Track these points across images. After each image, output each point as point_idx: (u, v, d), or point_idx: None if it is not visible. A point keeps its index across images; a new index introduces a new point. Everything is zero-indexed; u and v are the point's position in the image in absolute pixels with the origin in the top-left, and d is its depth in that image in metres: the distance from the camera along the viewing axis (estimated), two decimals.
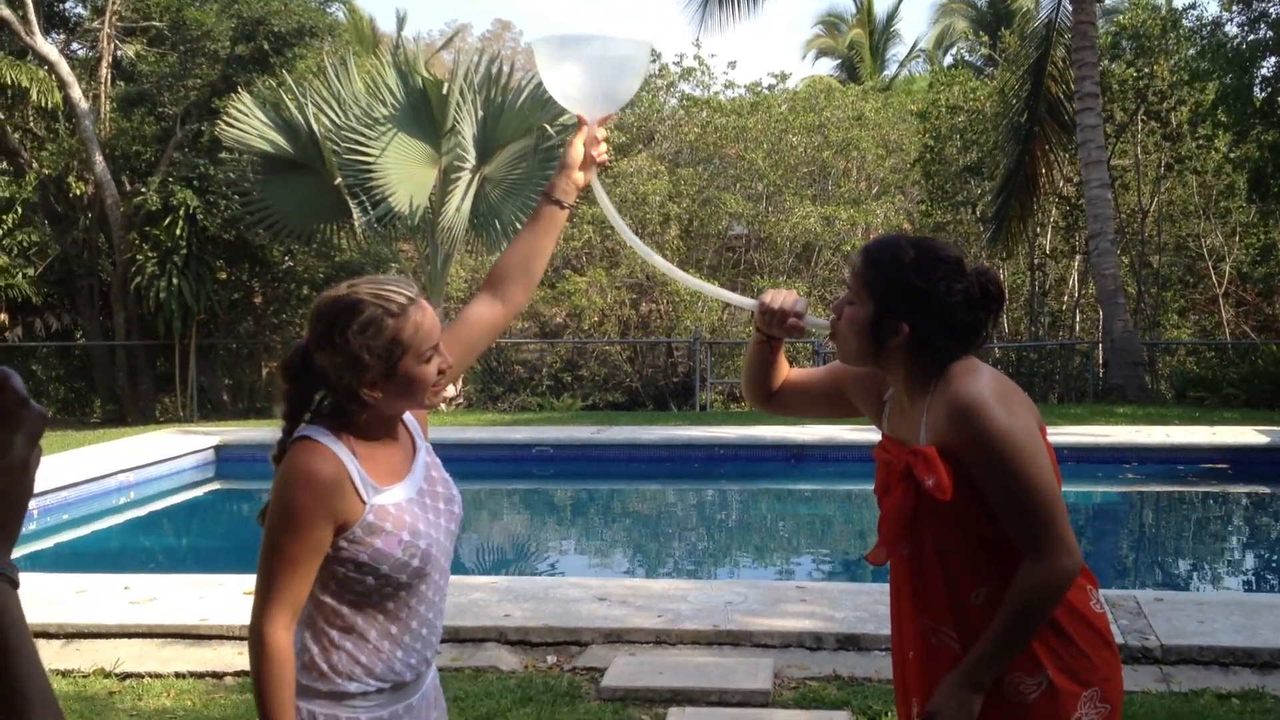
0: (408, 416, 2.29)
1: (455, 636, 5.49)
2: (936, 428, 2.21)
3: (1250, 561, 9.21)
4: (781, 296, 2.42)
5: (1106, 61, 18.30)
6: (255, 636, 2.07)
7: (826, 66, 37.73)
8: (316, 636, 2.14)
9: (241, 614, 5.60)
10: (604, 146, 2.46)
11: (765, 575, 8.33)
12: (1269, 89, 15.96)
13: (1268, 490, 10.91)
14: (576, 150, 2.48)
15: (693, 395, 18.62)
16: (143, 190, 17.83)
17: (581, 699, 4.83)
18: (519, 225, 15.75)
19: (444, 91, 15.13)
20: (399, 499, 2.14)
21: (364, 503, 2.09)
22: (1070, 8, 16.18)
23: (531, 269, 2.46)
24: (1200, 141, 18.57)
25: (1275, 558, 9.28)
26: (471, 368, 20.50)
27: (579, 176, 2.49)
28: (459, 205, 15.08)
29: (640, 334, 21.78)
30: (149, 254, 17.71)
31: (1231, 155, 18.07)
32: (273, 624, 2.06)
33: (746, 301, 2.56)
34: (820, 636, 5.29)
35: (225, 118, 15.38)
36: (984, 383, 2.20)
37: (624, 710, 4.70)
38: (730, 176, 22.73)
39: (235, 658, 5.36)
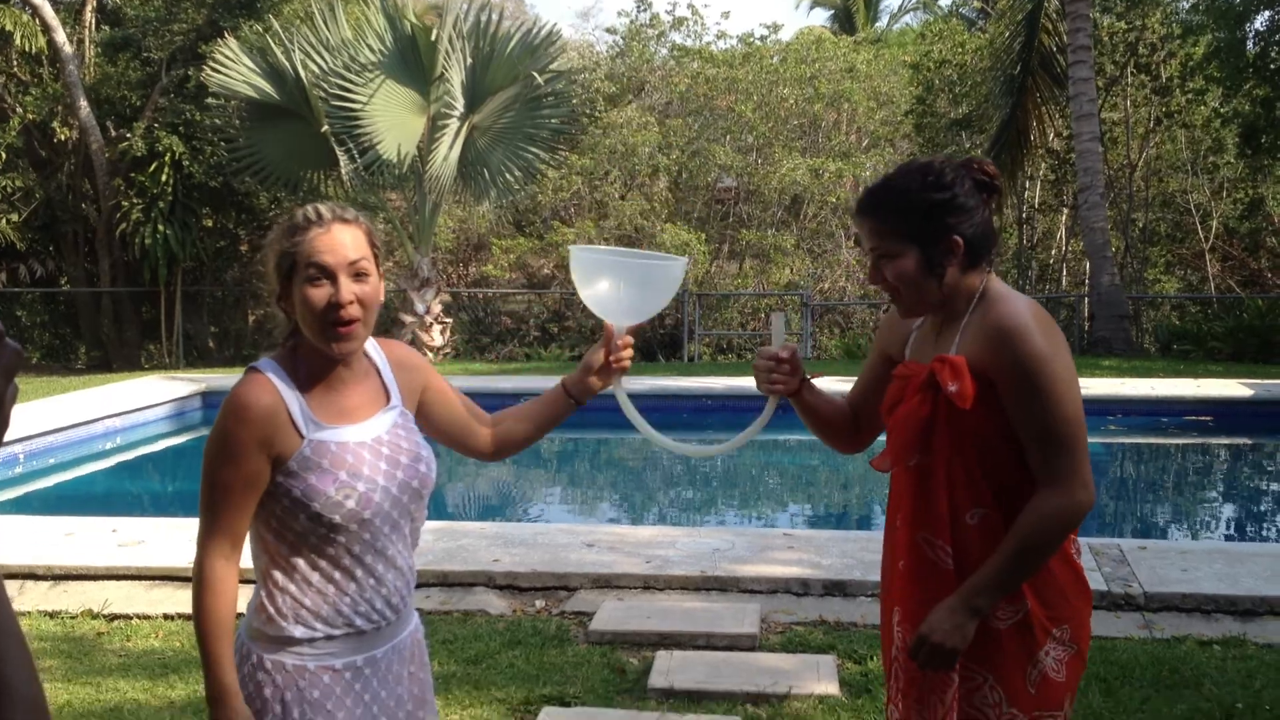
0: (387, 373, 2.22)
1: (444, 581, 5.52)
2: (971, 346, 2.22)
3: (1232, 511, 9.30)
4: (762, 361, 2.45)
5: (1097, 14, 18.20)
6: (195, 566, 2.07)
7: (820, 17, 37.42)
8: (263, 579, 2.11)
9: None
10: (629, 353, 2.42)
11: (753, 524, 8.38)
12: (1262, 43, 15.90)
13: (1250, 441, 10.99)
14: (599, 355, 2.43)
15: (681, 347, 18.64)
16: (128, 136, 17.67)
17: (570, 642, 4.87)
18: (506, 174, 15.68)
19: (432, 38, 14.98)
20: (345, 439, 2.09)
21: (302, 437, 2.06)
22: None
23: (522, 446, 2.46)
24: (1190, 96, 18.52)
25: (1257, 508, 9.37)
26: (458, 318, 20.52)
27: (595, 381, 2.43)
28: (447, 154, 14.98)
29: None
30: (134, 200, 17.58)
31: (1222, 110, 18.04)
32: (209, 553, 2.05)
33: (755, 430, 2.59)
34: (807, 582, 5.33)
35: (211, 63, 15.21)
36: (1028, 308, 2.23)
37: (612, 653, 4.73)
38: (720, 128, 22.61)
39: None
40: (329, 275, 2.05)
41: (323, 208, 2.10)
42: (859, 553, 5.68)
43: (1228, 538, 8.31)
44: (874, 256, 2.28)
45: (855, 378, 2.61)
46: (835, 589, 5.30)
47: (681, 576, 5.42)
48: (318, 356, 2.11)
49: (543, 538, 6.09)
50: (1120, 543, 5.89)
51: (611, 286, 2.42)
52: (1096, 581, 5.11)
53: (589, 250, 2.47)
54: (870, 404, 2.52)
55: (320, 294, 2.04)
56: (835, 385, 11.65)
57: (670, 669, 4.46)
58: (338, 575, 2.08)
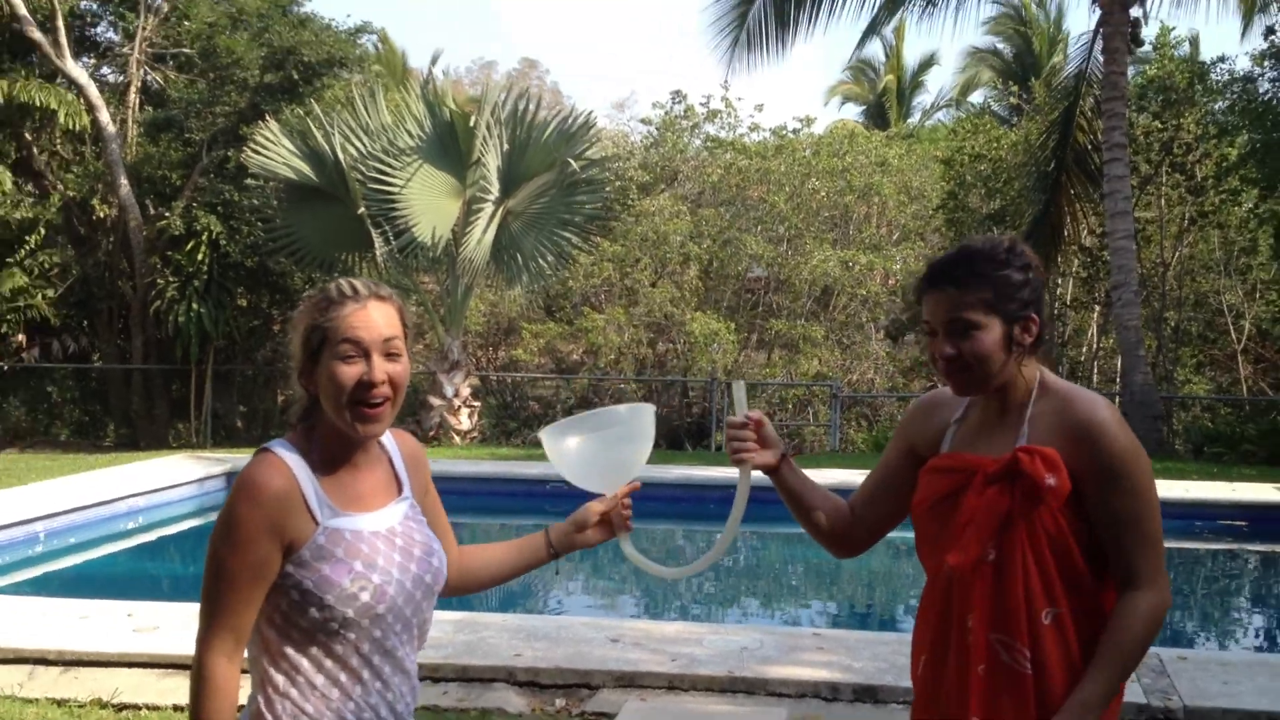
0: (399, 463, 2.14)
1: (464, 675, 5.38)
2: (1047, 439, 2.17)
3: (1270, 621, 9.02)
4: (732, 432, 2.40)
5: (1133, 113, 18.24)
6: (194, 663, 1.94)
7: (852, 112, 37.84)
8: (261, 684, 1.99)
9: None
10: (629, 511, 2.39)
11: (781, 621, 8.17)
12: None
13: None
14: (590, 513, 2.37)
15: (707, 435, 18.51)
16: (166, 215, 17.88)
17: None
18: (539, 260, 15.74)
19: (470, 124, 15.16)
20: (359, 528, 1.99)
21: (317, 523, 1.95)
22: (1101, 59, 16.13)
23: (484, 587, 2.37)
24: (1224, 196, 18.46)
25: None
26: (486, 402, 20.48)
27: (587, 536, 2.37)
28: (481, 237, 15.06)
29: (656, 373, 21.70)
30: (170, 278, 17.73)
31: (1258, 210, 17.95)
32: (212, 651, 1.92)
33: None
34: (837, 687, 5.16)
35: (251, 144, 15.42)
36: (1107, 403, 2.21)
37: None
38: (752, 218, 22.71)
39: None
40: (363, 352, 1.98)
41: (358, 283, 2.04)
42: (891, 656, 5.50)
43: (1266, 648, 8.04)
44: (947, 328, 2.20)
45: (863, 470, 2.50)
46: (866, 695, 5.12)
47: (708, 676, 5.26)
48: (335, 438, 2.01)
49: (566, 632, 5.95)
50: (1160, 651, 5.68)
51: (587, 461, 2.35)
52: (1135, 693, 4.92)
53: (558, 429, 2.38)
54: (882, 503, 2.43)
55: (352, 371, 1.96)
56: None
57: None
58: (344, 678, 1.96)
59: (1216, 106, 18.80)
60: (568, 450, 2.36)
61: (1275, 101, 16.04)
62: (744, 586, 9.64)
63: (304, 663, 1.97)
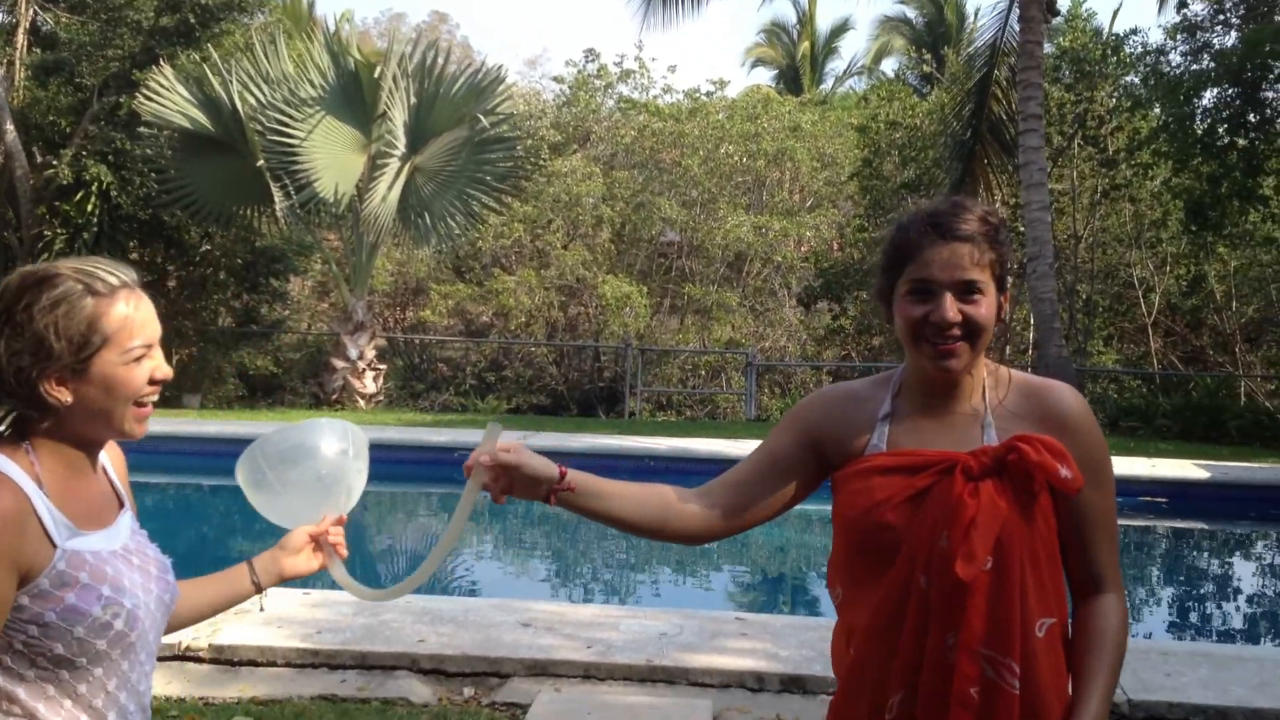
0: (111, 471, 1.82)
1: (363, 663, 5.01)
2: (1018, 429, 1.91)
3: (1205, 604, 8.99)
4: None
5: (1046, 84, 18.23)
6: None
7: (766, 76, 37.68)
8: None
9: None
10: (341, 534, 2.09)
11: (702, 602, 7.88)
12: (1209, 120, 15.95)
13: (1207, 526, 10.75)
14: (299, 536, 2.07)
15: (619, 401, 18.23)
16: (54, 163, 16.97)
17: None
18: (450, 221, 15.25)
19: (376, 75, 14.56)
20: (98, 548, 1.68)
21: (55, 546, 1.62)
22: (1018, 28, 16.02)
23: (184, 624, 2.01)
24: (1136, 169, 18.58)
25: (1227, 600, 9.07)
26: (393, 364, 19.97)
27: (296, 564, 2.06)
28: (386, 194, 14.53)
29: (568, 337, 21.33)
30: (58, 230, 16.85)
31: (1171, 183, 18.10)
32: None
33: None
34: (763, 676, 4.88)
35: (145, 91, 14.66)
36: (1074, 390, 2.00)
37: None
38: (665, 181, 22.42)
39: None
40: (151, 347, 1.72)
41: (110, 271, 1.72)
42: (818, 643, 5.24)
43: (1203, 634, 7.97)
44: (958, 288, 1.88)
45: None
46: (794, 685, 4.85)
47: (626, 665, 4.95)
48: (64, 443, 1.68)
49: (474, 615, 5.59)
50: None
51: (276, 496, 2.04)
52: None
53: (247, 459, 2.03)
54: (760, 491, 2.03)
55: (142, 372, 1.69)
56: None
57: None
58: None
59: (1129, 79, 18.88)
60: (270, 501, 2.06)
61: (1187, 75, 16.09)
62: (663, 563, 9.34)
63: (40, 708, 1.63)
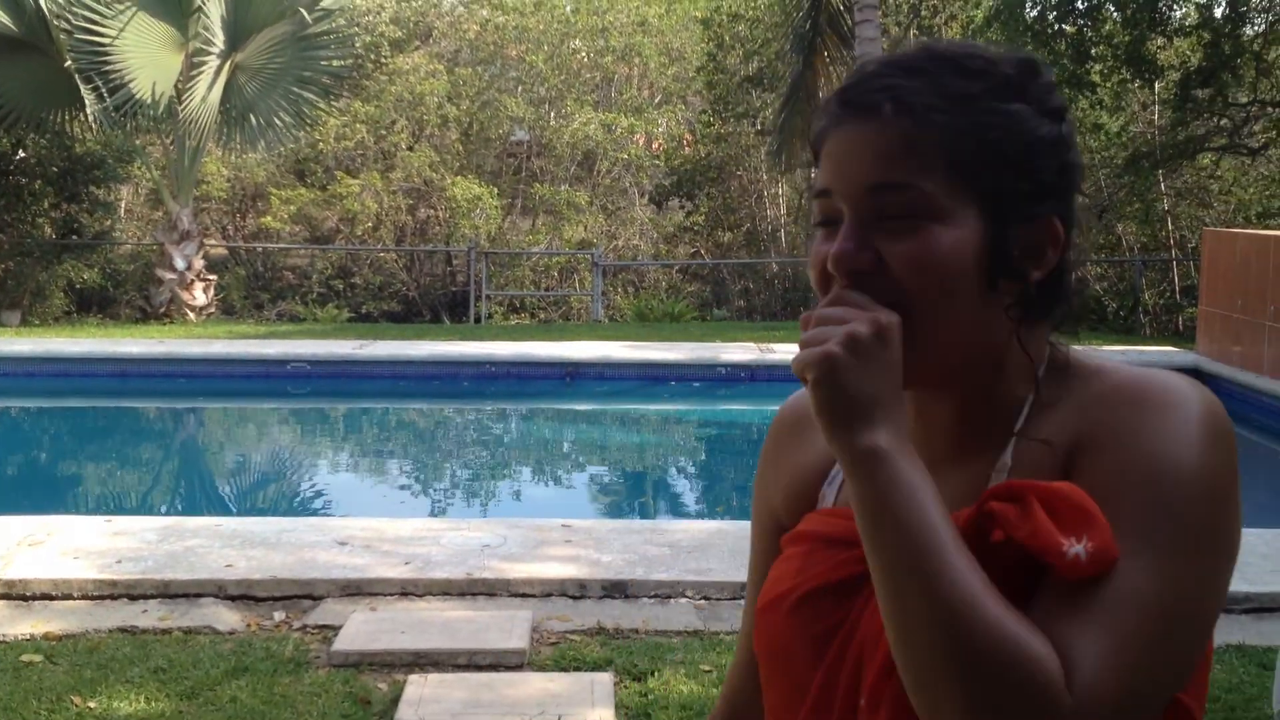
0: None
1: (165, 591, 4.78)
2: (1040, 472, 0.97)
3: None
4: None
5: None
6: None
7: None
8: None
9: None
10: None
11: (531, 510, 7.76)
12: (1040, 6, 16.10)
13: None
14: None
15: (468, 307, 17.89)
16: None
17: (308, 666, 4.20)
18: (277, 120, 14.58)
19: None
20: None
21: None
22: None
23: None
24: None
25: None
26: (235, 274, 19.23)
27: None
28: (205, 94, 13.79)
29: (419, 241, 20.82)
30: None
31: None
32: None
33: None
34: (584, 584, 4.80)
35: None
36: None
37: (356, 678, 4.10)
38: (511, 79, 21.88)
39: None
40: None
41: None
42: (642, 546, 5.18)
43: None
44: (870, 207, 0.97)
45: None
46: (615, 590, 4.78)
47: (443, 580, 4.81)
48: None
49: (288, 536, 5.36)
50: None
51: None
52: None
53: None
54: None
55: None
56: (608, 351, 11.19)
57: (422, 699, 3.85)
58: None
59: None
60: None
61: None
62: (493, 474, 9.18)
63: None
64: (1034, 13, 15.97)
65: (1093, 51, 15.43)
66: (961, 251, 0.95)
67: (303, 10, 13.82)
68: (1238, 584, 4.70)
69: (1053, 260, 1.00)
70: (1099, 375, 1.01)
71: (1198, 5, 15.77)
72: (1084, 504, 0.91)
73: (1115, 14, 15.38)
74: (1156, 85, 16.80)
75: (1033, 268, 0.99)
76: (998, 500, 0.93)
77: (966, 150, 0.95)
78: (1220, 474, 0.92)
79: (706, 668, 4.15)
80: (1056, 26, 15.63)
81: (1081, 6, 15.40)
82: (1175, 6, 15.80)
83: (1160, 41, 15.63)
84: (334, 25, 14.95)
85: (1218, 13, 15.26)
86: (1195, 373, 10.54)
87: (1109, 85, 16.08)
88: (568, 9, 22.62)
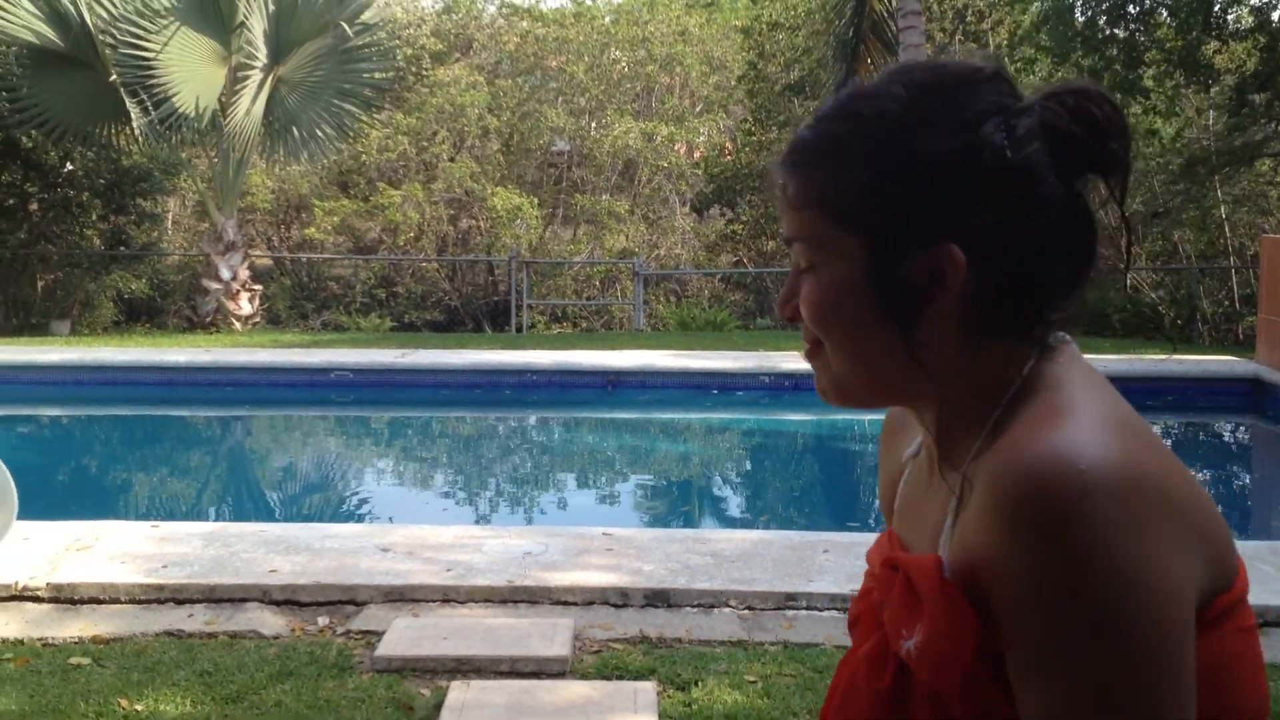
0: None
1: (210, 596, 4.80)
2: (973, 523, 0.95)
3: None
4: None
5: None
6: None
7: None
8: None
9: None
10: None
11: (573, 518, 7.74)
12: (1090, 12, 15.95)
13: None
14: None
15: (509, 317, 17.94)
16: None
17: (352, 671, 4.20)
18: (320, 132, 14.72)
19: None
20: None
21: None
22: None
23: None
24: (1019, 65, 18.60)
25: None
26: (280, 283, 19.40)
27: None
28: (250, 107, 13.93)
29: (458, 251, 20.92)
30: None
31: (1051, 79, 18.14)
32: None
33: None
34: (626, 592, 4.77)
35: None
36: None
37: (399, 684, 4.09)
38: (551, 90, 21.95)
39: None
40: None
41: None
42: (684, 555, 5.15)
43: None
44: (796, 260, 1.06)
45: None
46: (658, 599, 4.75)
47: (485, 587, 4.79)
48: None
49: (331, 541, 5.38)
50: None
51: None
52: None
53: None
54: None
55: None
56: (650, 360, 11.18)
57: (465, 705, 3.84)
58: None
59: None
60: None
61: None
62: (535, 483, 9.18)
63: None
64: (1084, 18, 15.81)
65: (1145, 56, 15.24)
66: (840, 289, 1.00)
67: (344, 24, 13.95)
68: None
69: (954, 283, 0.96)
70: (1018, 423, 0.95)
71: (1253, 8, 15.56)
72: (922, 589, 0.93)
73: (1168, 18, 15.18)
74: (1212, 90, 16.59)
75: (938, 292, 0.97)
76: (889, 570, 1.00)
77: (841, 194, 1.00)
78: (1103, 568, 0.84)
79: (751, 678, 4.11)
80: (1107, 31, 15.45)
81: (1133, 10, 15.22)
82: (1230, 9, 15.58)
83: (1215, 45, 15.41)
84: (375, 38, 15.08)
85: (1275, 16, 15.05)
86: (1255, 382, 10.40)
87: (1163, 90, 15.86)
88: (607, 20, 22.68)
